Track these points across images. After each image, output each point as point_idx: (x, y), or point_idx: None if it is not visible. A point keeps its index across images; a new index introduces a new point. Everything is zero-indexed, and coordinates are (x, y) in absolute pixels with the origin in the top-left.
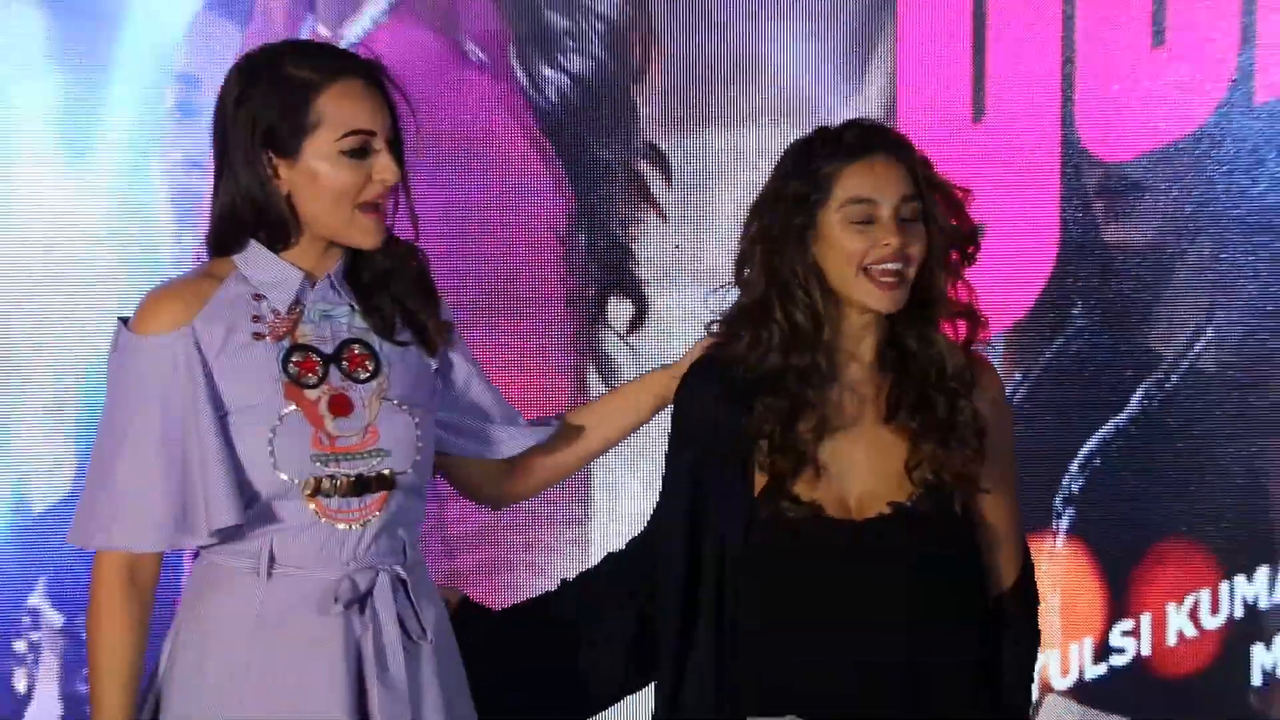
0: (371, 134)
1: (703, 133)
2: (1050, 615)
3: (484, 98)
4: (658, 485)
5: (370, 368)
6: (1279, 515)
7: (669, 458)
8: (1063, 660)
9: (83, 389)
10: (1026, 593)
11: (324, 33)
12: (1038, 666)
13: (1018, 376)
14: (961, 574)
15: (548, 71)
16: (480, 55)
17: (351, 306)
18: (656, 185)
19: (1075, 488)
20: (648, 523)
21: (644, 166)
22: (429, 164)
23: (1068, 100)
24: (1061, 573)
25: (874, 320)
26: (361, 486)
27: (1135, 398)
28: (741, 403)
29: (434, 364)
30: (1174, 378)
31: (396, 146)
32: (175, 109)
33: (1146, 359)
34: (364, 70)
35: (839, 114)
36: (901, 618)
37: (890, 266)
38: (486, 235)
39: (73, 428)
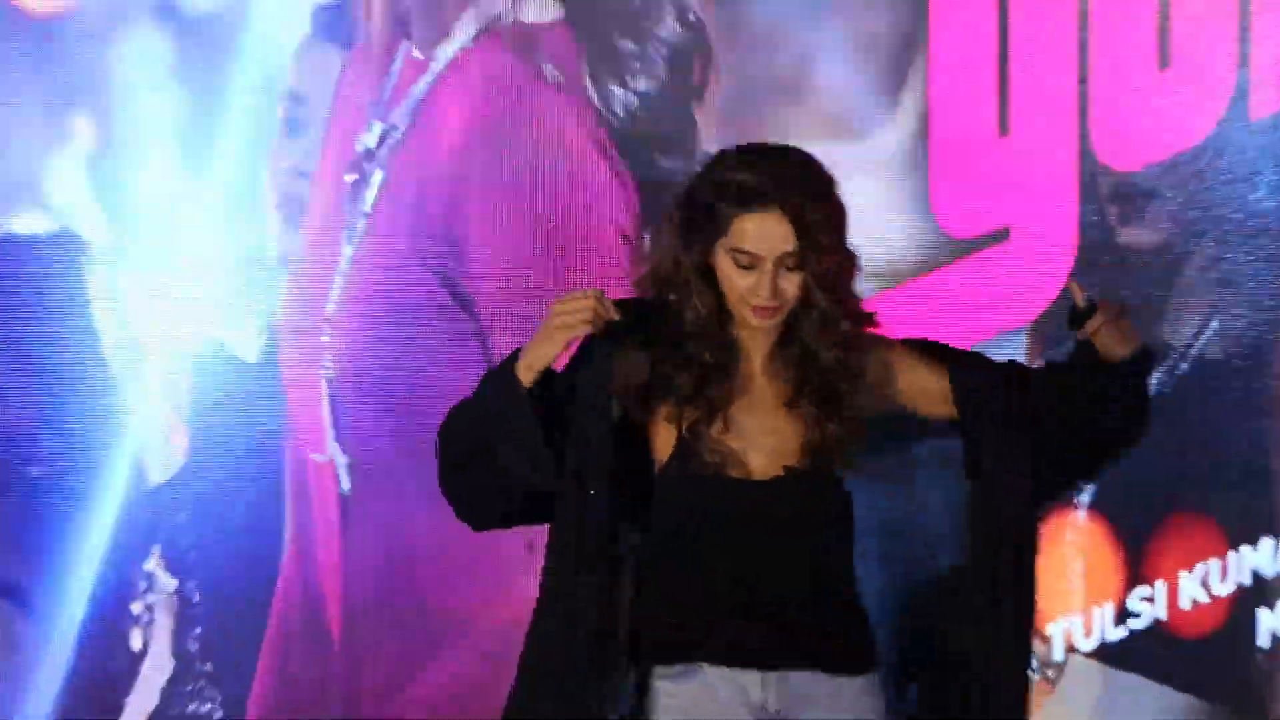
0: None
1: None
2: (1074, 582)
3: (559, 114)
4: None
5: None
6: None
7: (574, 377)
8: (1086, 623)
9: (197, 373)
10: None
11: (418, 55)
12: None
13: (1040, 364)
14: (843, 533)
15: (617, 90)
16: (556, 76)
17: None
18: None
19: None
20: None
21: None
22: (510, 173)
23: (1083, 116)
24: (1084, 543)
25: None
26: None
27: (1148, 384)
28: (651, 350)
29: None
30: (1183, 366)
31: None
32: (284, 124)
33: (1157, 349)
34: None
35: (878, 130)
36: (798, 568)
37: (764, 306)
38: (558, 234)
39: (187, 407)
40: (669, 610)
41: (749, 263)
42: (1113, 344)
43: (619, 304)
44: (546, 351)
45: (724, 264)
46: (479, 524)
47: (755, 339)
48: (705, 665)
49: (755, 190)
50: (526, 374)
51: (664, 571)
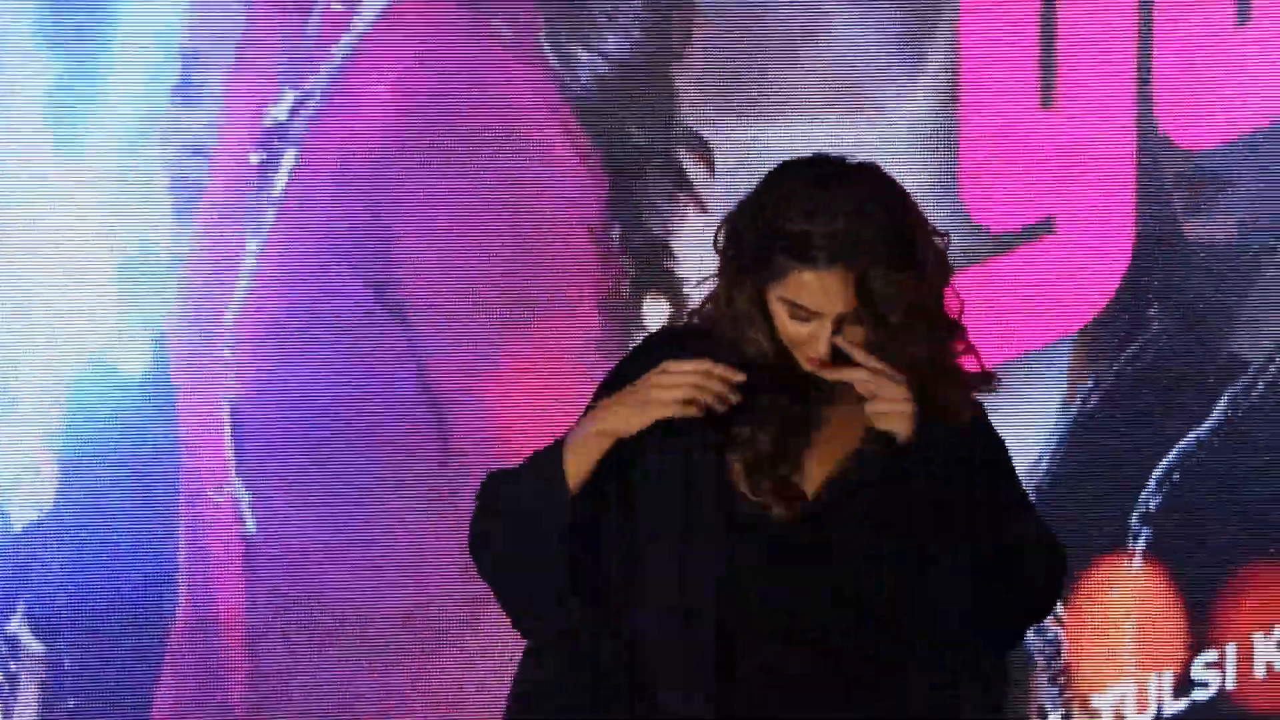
0: None
1: (749, 119)
2: (1126, 644)
3: (511, 79)
4: None
5: None
6: None
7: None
8: (1139, 694)
9: (71, 394)
10: None
11: (338, 7)
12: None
13: (1089, 384)
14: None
15: (580, 51)
16: (507, 33)
17: None
18: (698, 176)
19: (1153, 505)
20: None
21: (684, 155)
22: (448, 150)
23: (1145, 83)
24: (1138, 598)
25: None
26: None
27: (1218, 407)
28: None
29: None
30: (1261, 385)
31: None
32: (176, 91)
33: (1230, 365)
34: None
35: (897, 101)
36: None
37: (820, 359)
38: (510, 229)
39: (59, 435)
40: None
41: (806, 316)
42: (876, 417)
43: (667, 341)
44: (630, 423)
45: (776, 308)
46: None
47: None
48: None
49: (817, 247)
50: (596, 441)
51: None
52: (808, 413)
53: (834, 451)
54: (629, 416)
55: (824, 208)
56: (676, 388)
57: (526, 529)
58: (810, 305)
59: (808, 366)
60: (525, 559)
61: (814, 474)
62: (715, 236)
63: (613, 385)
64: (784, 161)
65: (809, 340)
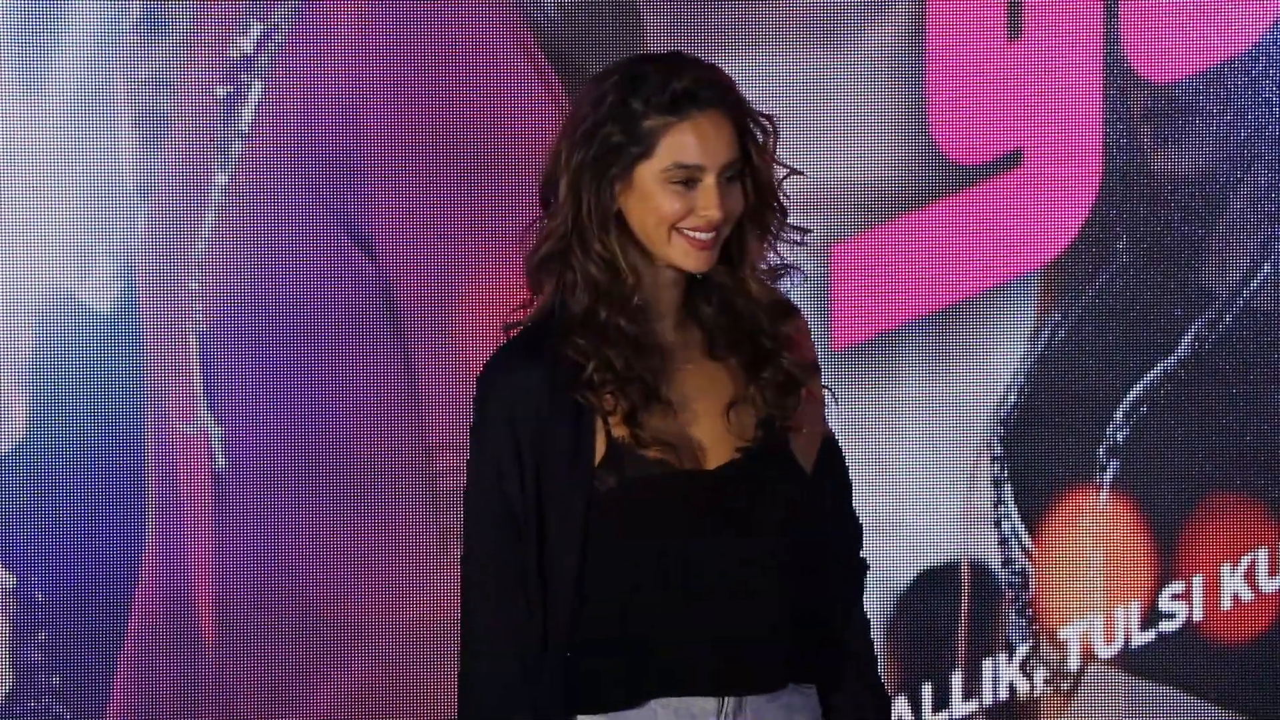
0: None
1: (715, 51)
2: (1093, 577)
3: (475, 8)
4: None
5: None
6: None
7: (480, 460)
8: (1107, 626)
9: (39, 330)
10: (856, 553)
11: None
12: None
13: (1057, 316)
14: (819, 517)
15: None
16: None
17: None
18: None
19: (1120, 437)
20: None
21: None
22: (417, 86)
23: (1112, 15)
24: (1106, 530)
25: (680, 275)
26: None
27: (1185, 339)
28: (562, 358)
29: None
30: (1228, 317)
31: None
32: (141, 23)
33: (1198, 297)
34: None
35: (864, 32)
36: (774, 571)
37: (706, 234)
38: (477, 159)
39: (26, 367)
40: (613, 646)
41: (688, 177)
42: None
43: (507, 347)
44: None
45: (652, 189)
46: None
47: (665, 294)
48: (653, 702)
49: (690, 93)
50: None
51: (607, 595)
52: (640, 337)
53: (695, 383)
54: None
55: (679, 67)
56: None
57: None
58: (697, 158)
59: (691, 255)
60: None
61: (692, 414)
62: (553, 161)
63: (485, 420)
64: (597, 74)
65: (699, 206)
